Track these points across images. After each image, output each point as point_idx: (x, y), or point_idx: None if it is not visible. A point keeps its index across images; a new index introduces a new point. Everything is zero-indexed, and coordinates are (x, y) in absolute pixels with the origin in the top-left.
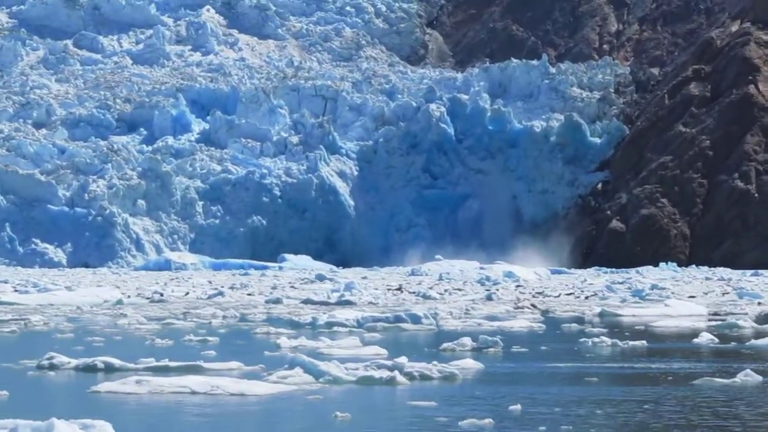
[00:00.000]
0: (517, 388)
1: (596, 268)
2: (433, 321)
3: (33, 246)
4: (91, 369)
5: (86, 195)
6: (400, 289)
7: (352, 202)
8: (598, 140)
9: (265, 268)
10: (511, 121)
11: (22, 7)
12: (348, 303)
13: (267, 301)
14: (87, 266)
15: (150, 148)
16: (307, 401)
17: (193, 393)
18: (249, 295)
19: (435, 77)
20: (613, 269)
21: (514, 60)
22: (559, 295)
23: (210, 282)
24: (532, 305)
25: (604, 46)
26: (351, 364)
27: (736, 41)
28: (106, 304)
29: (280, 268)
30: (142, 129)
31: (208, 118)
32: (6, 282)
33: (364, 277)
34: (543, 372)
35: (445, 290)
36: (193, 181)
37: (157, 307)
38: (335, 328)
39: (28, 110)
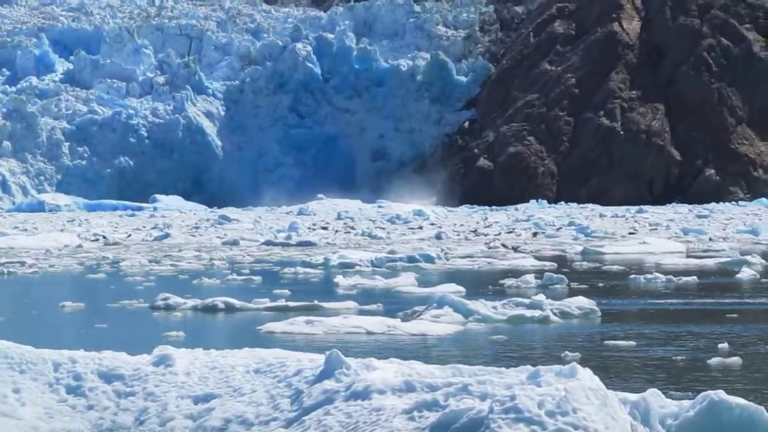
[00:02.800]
0: (674, 326)
1: (467, 205)
2: (446, 260)
3: None
4: (211, 309)
5: None
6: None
7: (219, 143)
8: (464, 79)
9: (139, 209)
10: (377, 60)
11: None
12: (309, 243)
13: (224, 243)
14: None
15: (14, 88)
16: (494, 341)
17: (370, 333)
18: (194, 236)
19: (300, 16)
20: (486, 206)
21: None
22: (499, 234)
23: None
24: (503, 245)
25: None
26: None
27: None
28: (67, 249)
29: (155, 209)
30: (4, 69)
31: (72, 58)
32: None
33: (258, 220)
34: (663, 309)
35: (384, 229)
36: (59, 122)
37: (123, 249)
38: (357, 268)
39: None
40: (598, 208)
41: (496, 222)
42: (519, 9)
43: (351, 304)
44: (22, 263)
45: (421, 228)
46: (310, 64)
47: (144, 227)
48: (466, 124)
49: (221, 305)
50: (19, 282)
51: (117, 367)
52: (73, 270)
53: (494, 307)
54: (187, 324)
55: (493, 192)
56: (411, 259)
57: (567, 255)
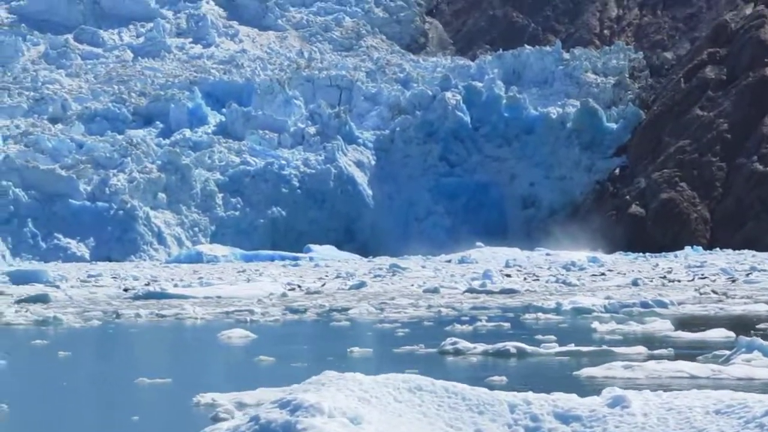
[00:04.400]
0: None
1: (621, 253)
2: (677, 307)
3: (56, 241)
4: (502, 354)
5: (107, 189)
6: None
7: (370, 192)
8: (614, 125)
9: (296, 258)
10: (526, 108)
11: (21, 2)
12: (512, 291)
13: (425, 291)
14: (110, 260)
15: (168, 141)
16: None
17: (693, 377)
18: (388, 285)
19: (448, 65)
20: (639, 253)
21: (528, 47)
22: (693, 279)
23: (280, 274)
24: (713, 291)
25: (605, 32)
26: None
27: (750, 24)
28: (273, 296)
29: (311, 258)
30: (158, 122)
31: (224, 110)
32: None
33: (438, 269)
34: None
35: (578, 278)
36: (213, 174)
37: (330, 297)
38: (585, 315)
39: (42, 105)
40: (759, 254)
41: (671, 268)
42: (668, 55)
43: (641, 349)
44: (251, 311)
45: (603, 275)
46: (459, 113)
47: (327, 275)
48: (617, 170)
49: (513, 350)
50: (276, 330)
51: (572, 408)
52: (309, 318)
53: None
54: (498, 369)
55: (646, 238)
56: (644, 305)
57: None
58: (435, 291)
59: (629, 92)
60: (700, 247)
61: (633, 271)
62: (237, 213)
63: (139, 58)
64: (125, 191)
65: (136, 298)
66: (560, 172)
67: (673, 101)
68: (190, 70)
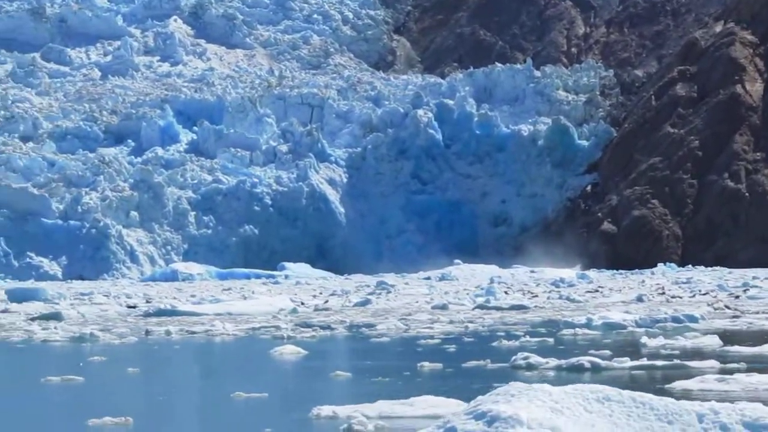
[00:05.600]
0: None
1: (594, 270)
2: (707, 322)
3: (28, 259)
4: (576, 369)
5: (79, 207)
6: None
7: (342, 210)
8: (585, 143)
9: (271, 277)
10: (498, 126)
11: None
12: (522, 307)
13: (433, 308)
14: (82, 278)
15: (140, 159)
16: None
17: None
18: (388, 302)
19: (419, 83)
20: (612, 270)
21: (499, 64)
22: (694, 296)
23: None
24: (726, 306)
25: (572, 50)
26: None
27: (721, 41)
28: (283, 312)
29: (286, 276)
30: (129, 140)
31: (196, 128)
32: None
33: (432, 285)
34: None
35: (585, 293)
36: (185, 192)
37: (340, 314)
38: (619, 330)
39: (12, 124)
40: (735, 271)
41: (661, 285)
42: (639, 73)
43: (713, 363)
44: (278, 327)
45: (598, 291)
46: (431, 131)
47: (320, 294)
48: (589, 188)
49: (587, 365)
50: (321, 346)
51: (760, 417)
52: (341, 334)
53: None
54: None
55: (618, 255)
56: (675, 320)
57: None
58: (444, 308)
59: (600, 110)
60: (674, 264)
61: (624, 287)
62: (209, 231)
63: (109, 76)
64: (98, 210)
65: (147, 315)
66: (532, 189)
67: (644, 119)
68: (160, 88)
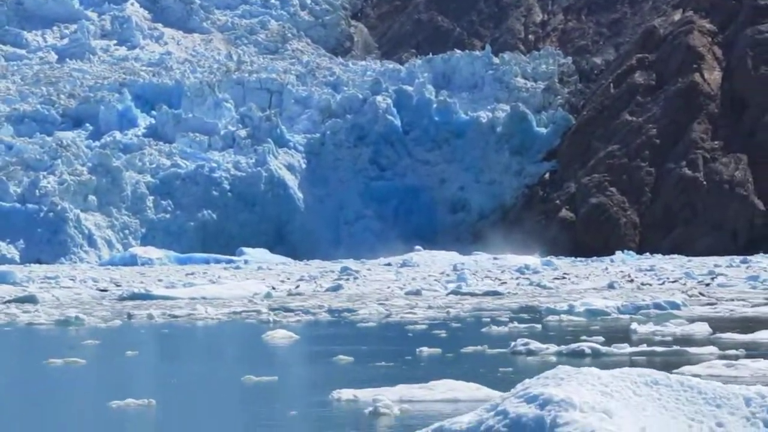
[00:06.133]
0: None
1: (552, 257)
2: (689, 308)
3: None
4: (577, 354)
5: (37, 191)
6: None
7: (301, 195)
8: (544, 130)
9: (230, 261)
10: (456, 112)
11: None
12: (496, 293)
13: (407, 293)
14: (40, 262)
15: (98, 143)
16: None
17: None
18: (359, 287)
19: (378, 69)
20: (570, 257)
21: (458, 51)
22: (663, 283)
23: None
24: (701, 293)
25: (530, 37)
26: None
27: (679, 30)
28: (257, 296)
29: (246, 261)
30: (87, 124)
31: (154, 112)
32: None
33: (399, 271)
34: None
35: (553, 280)
36: (143, 176)
37: (315, 299)
38: (603, 317)
39: None
40: (695, 259)
41: (621, 271)
42: (598, 60)
43: (712, 349)
44: (259, 312)
45: (565, 277)
46: (390, 117)
47: (288, 279)
48: (547, 175)
49: (587, 350)
50: (310, 330)
51: None
52: (324, 319)
53: None
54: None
55: (576, 243)
56: (657, 306)
57: None
58: (417, 293)
59: (559, 97)
60: (632, 252)
61: (590, 275)
62: (168, 216)
63: (67, 60)
64: (55, 193)
65: (122, 299)
66: (490, 176)
67: (602, 106)
68: (118, 72)
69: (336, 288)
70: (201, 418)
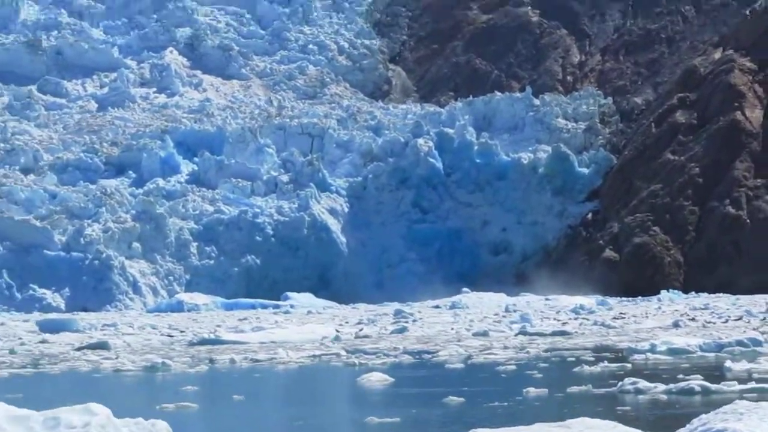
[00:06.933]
0: None
1: (598, 296)
2: None
3: (31, 291)
4: (686, 392)
5: (82, 239)
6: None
7: (343, 239)
8: (585, 170)
9: (276, 306)
10: (498, 154)
11: None
12: (564, 333)
13: (474, 334)
14: (86, 310)
15: (141, 190)
16: None
17: None
18: (422, 329)
19: (419, 112)
20: (615, 297)
21: (498, 93)
22: (726, 321)
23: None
24: None
25: (568, 78)
26: None
27: (720, 68)
28: (325, 340)
29: (292, 306)
30: (130, 171)
31: (196, 159)
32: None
33: (457, 314)
34: None
35: (613, 320)
36: (187, 222)
37: (388, 342)
38: (688, 354)
39: (13, 156)
40: (743, 297)
41: (676, 310)
42: (638, 100)
43: None
44: (338, 355)
45: (623, 317)
46: (431, 159)
47: (346, 323)
48: (589, 215)
49: (697, 388)
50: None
51: None
52: (406, 361)
53: None
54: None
55: (620, 283)
56: (740, 344)
57: None
58: (485, 334)
59: (600, 137)
60: (678, 291)
61: (647, 314)
62: (212, 261)
63: (108, 108)
64: (100, 241)
65: (192, 344)
66: (532, 217)
67: (643, 146)
68: (160, 119)
69: (401, 330)
70: None
